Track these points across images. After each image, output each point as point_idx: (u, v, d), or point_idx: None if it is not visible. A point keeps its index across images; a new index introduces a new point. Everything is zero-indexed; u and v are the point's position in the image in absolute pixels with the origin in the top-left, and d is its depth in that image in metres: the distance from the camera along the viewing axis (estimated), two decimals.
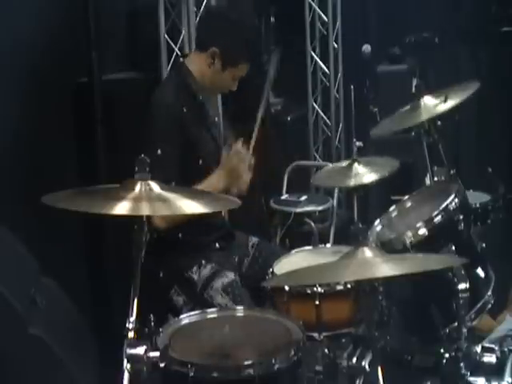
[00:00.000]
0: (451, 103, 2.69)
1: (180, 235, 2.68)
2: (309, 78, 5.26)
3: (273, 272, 2.51)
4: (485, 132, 5.20)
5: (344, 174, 2.95)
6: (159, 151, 2.53)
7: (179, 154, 2.59)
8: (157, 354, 1.72)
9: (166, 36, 3.51)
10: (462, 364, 2.36)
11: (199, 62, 2.73)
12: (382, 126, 3.16)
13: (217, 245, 2.80)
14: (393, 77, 4.81)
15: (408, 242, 2.38)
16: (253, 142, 2.72)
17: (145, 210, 1.78)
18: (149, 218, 2.33)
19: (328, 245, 3.09)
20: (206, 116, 2.82)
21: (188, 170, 2.59)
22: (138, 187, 1.83)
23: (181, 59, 2.83)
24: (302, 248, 2.81)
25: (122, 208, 1.75)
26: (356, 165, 2.93)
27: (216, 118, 2.91)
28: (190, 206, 1.87)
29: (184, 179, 2.47)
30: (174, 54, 3.54)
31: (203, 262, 2.69)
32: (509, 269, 3.15)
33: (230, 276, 2.69)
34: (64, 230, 3.04)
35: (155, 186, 1.85)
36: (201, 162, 2.68)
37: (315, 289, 2.31)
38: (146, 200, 1.80)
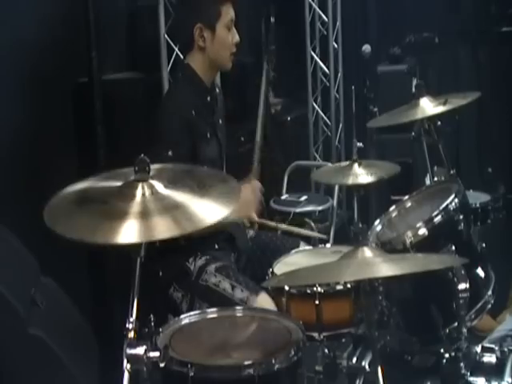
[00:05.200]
0: (450, 106, 2.69)
1: (183, 242, 2.68)
2: (309, 77, 5.27)
3: (273, 272, 2.51)
4: (485, 132, 5.20)
5: (344, 173, 2.94)
6: (170, 153, 2.52)
7: (189, 156, 2.58)
8: (157, 354, 1.72)
9: (165, 36, 3.50)
10: (462, 364, 2.36)
11: (195, 60, 2.72)
12: (379, 120, 3.20)
13: (216, 246, 2.79)
14: (393, 77, 4.81)
15: (408, 242, 2.39)
16: (256, 164, 2.71)
17: (155, 231, 1.53)
18: None
19: (328, 245, 3.09)
20: (213, 118, 2.81)
21: None
22: (139, 191, 1.64)
23: (185, 61, 2.82)
24: (301, 248, 2.80)
25: (127, 233, 1.51)
26: (356, 165, 2.92)
27: (220, 120, 2.89)
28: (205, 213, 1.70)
29: None
30: (174, 53, 3.54)
31: (199, 253, 2.69)
32: (509, 269, 3.15)
33: (225, 262, 2.69)
34: None
35: (158, 186, 1.68)
36: (205, 168, 2.67)
37: (315, 289, 2.31)
38: (152, 210, 1.57)
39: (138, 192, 1.65)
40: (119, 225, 1.53)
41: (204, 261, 2.66)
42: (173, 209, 1.59)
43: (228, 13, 2.71)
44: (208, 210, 1.60)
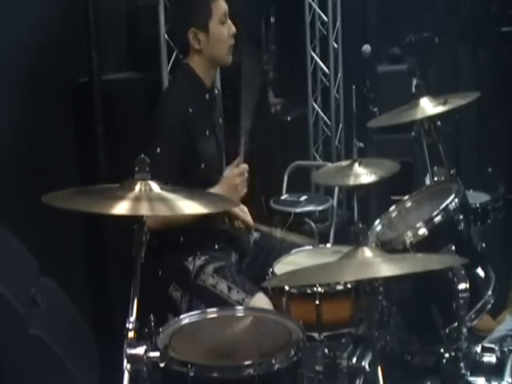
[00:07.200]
0: (450, 106, 2.69)
1: (181, 239, 2.68)
2: (309, 77, 5.27)
3: (273, 272, 2.51)
4: (485, 132, 5.20)
5: (344, 173, 2.94)
6: (158, 150, 2.53)
7: (179, 156, 2.58)
8: (157, 354, 1.72)
9: (165, 36, 3.50)
10: (462, 364, 2.36)
11: (194, 62, 2.72)
12: (379, 120, 3.21)
13: (216, 246, 2.79)
14: (393, 77, 4.82)
15: (408, 241, 2.39)
16: (242, 150, 2.70)
17: (144, 210, 1.77)
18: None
19: (328, 245, 3.09)
20: (212, 117, 2.81)
21: (189, 173, 2.58)
22: (137, 187, 1.81)
23: (184, 61, 2.82)
24: (302, 248, 2.80)
25: (121, 208, 1.74)
26: (356, 165, 2.92)
27: (220, 120, 2.89)
28: (189, 207, 1.86)
29: (184, 182, 2.45)
30: (174, 53, 3.54)
31: (198, 253, 2.68)
32: (509, 269, 3.15)
33: (224, 263, 2.68)
34: (64, 229, 3.04)
35: (155, 186, 1.84)
36: (203, 165, 2.68)
37: (315, 289, 2.31)
38: (146, 200, 1.78)
39: (137, 187, 1.82)
40: (114, 202, 1.75)
41: (203, 261, 2.66)
42: (161, 199, 1.82)
43: (219, 7, 2.69)
44: (188, 205, 1.85)
